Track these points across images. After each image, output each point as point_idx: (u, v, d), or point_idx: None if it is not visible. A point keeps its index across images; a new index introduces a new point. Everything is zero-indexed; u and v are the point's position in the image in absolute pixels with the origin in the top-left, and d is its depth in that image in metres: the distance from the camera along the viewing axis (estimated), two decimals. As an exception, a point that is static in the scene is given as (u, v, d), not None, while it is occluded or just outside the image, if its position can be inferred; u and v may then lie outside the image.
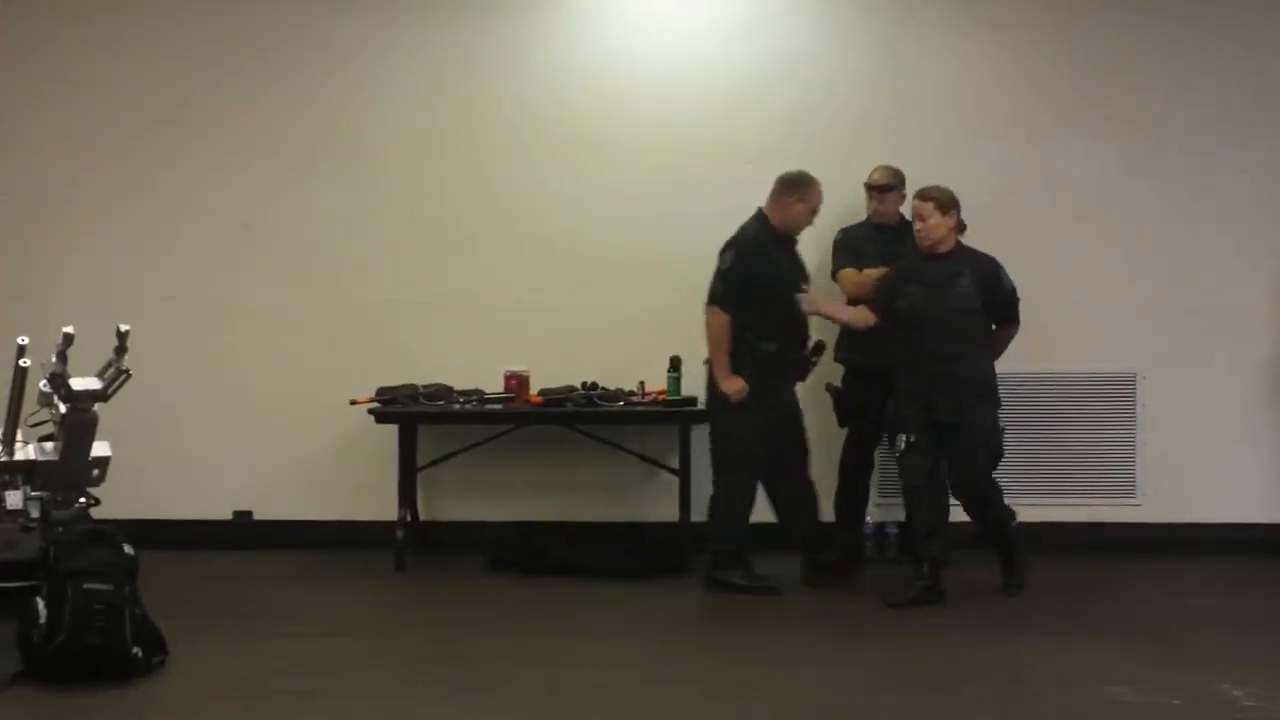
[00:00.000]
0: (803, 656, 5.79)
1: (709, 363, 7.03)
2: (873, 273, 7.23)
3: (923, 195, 6.70)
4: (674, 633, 6.22)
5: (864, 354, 7.29)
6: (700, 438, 7.52)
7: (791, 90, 7.95)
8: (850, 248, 7.40)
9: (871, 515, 7.73)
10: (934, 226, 6.64)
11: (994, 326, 6.84)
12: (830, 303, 7.04)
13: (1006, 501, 6.82)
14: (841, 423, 7.46)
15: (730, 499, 7.00)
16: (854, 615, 6.51)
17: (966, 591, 6.77)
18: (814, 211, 7.03)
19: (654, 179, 7.92)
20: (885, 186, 7.37)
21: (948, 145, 7.78)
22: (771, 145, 7.80)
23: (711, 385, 6.96)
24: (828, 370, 7.45)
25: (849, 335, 7.41)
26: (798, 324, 7.03)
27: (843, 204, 7.46)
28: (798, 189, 6.95)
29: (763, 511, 7.18)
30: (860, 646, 5.95)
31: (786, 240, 7.04)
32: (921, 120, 7.92)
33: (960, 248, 6.73)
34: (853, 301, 7.36)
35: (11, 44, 8.06)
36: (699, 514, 7.46)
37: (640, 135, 7.93)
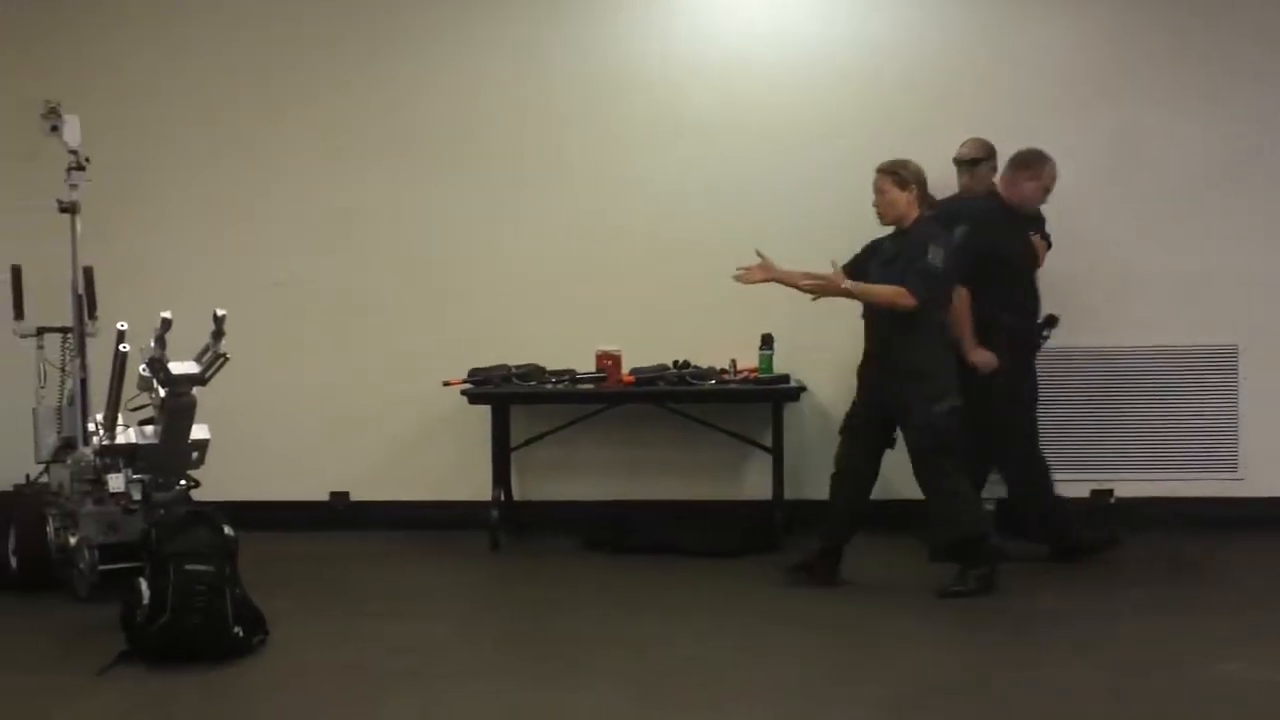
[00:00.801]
0: (902, 634, 5.76)
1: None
2: None
3: (880, 169, 6.43)
4: (769, 611, 6.17)
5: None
6: (792, 414, 7.55)
7: (883, 66, 7.91)
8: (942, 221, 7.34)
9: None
10: (890, 202, 6.37)
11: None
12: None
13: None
14: None
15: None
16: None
17: (1068, 570, 6.75)
18: (1047, 190, 6.94)
19: (746, 158, 7.93)
20: (975, 160, 7.29)
21: (1040, 120, 7.68)
22: (862, 121, 7.81)
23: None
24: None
25: None
26: (1033, 297, 6.96)
27: (931, 179, 7.40)
28: (1032, 166, 6.88)
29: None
30: (960, 627, 5.90)
31: (1020, 216, 6.95)
32: (1013, 95, 7.84)
33: (921, 224, 6.41)
34: None
35: (113, 39, 8.24)
36: (792, 491, 7.51)
37: (732, 115, 7.94)
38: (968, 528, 6.32)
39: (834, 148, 7.79)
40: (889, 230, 6.47)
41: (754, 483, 7.79)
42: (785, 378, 7.52)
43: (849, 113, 7.88)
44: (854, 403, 6.59)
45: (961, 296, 6.65)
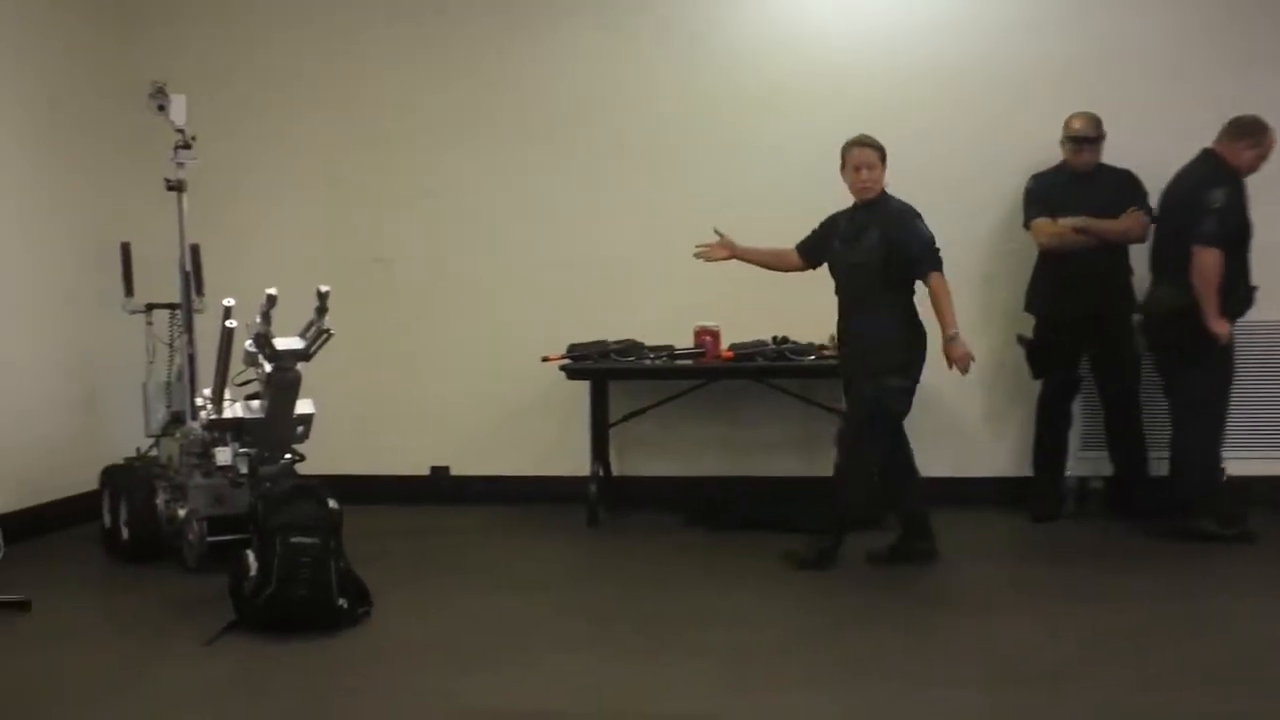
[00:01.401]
0: (1004, 610, 5.74)
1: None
2: (1069, 222, 7.12)
3: (871, 144, 6.46)
4: (870, 585, 6.18)
5: (1059, 305, 7.21)
6: None
7: (991, 35, 7.83)
8: (1043, 196, 7.29)
9: (1073, 469, 7.62)
10: (878, 178, 6.44)
11: (921, 283, 6.41)
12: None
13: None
14: (1036, 374, 7.39)
15: (1209, 447, 6.91)
16: (1070, 571, 6.42)
17: (1199, 550, 6.68)
18: (1264, 158, 6.86)
19: (844, 131, 7.76)
20: (1087, 137, 7.21)
21: (1148, 88, 7.61)
22: (967, 93, 7.79)
23: (1193, 329, 6.67)
24: (1018, 320, 7.37)
25: (1042, 286, 7.32)
26: (1247, 264, 6.90)
27: (1041, 150, 7.38)
28: (1252, 134, 6.82)
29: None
30: (1076, 602, 5.84)
31: (1240, 184, 6.87)
32: (1119, 65, 7.73)
33: (882, 198, 6.47)
34: (1047, 254, 7.25)
35: (213, 18, 8.38)
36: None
37: (831, 87, 7.89)
38: (849, 497, 6.45)
39: (938, 122, 7.76)
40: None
41: None
42: None
43: (958, 86, 7.83)
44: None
45: (1218, 261, 6.58)
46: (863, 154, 6.43)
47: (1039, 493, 7.43)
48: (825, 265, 6.66)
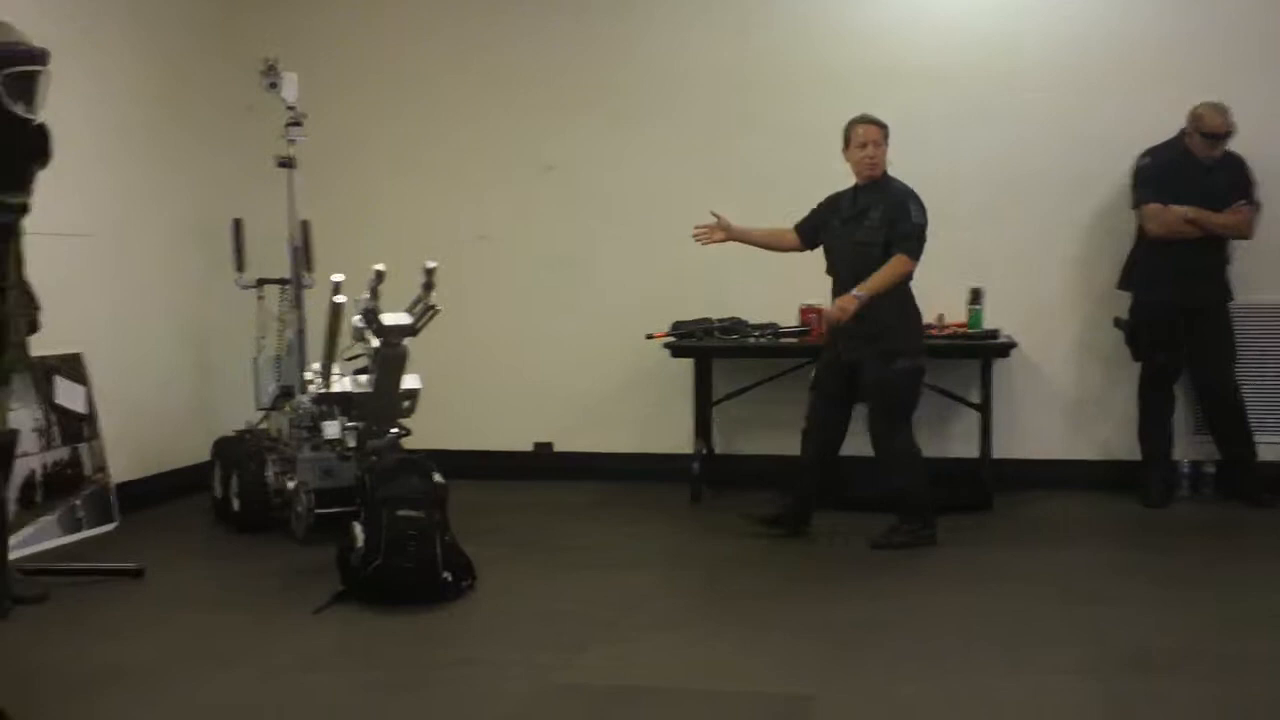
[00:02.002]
0: (1111, 597, 5.65)
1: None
2: (1179, 211, 7.03)
3: (876, 121, 6.49)
4: (969, 569, 6.14)
5: (1157, 291, 7.12)
6: (1001, 370, 7.50)
7: (1108, 18, 7.73)
8: (1158, 178, 7.17)
9: (1186, 453, 7.54)
10: (882, 156, 6.48)
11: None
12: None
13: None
14: (1136, 356, 7.31)
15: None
16: (1180, 557, 6.37)
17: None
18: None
19: (952, 109, 7.83)
20: (1226, 134, 7.08)
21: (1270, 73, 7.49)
22: (1086, 76, 7.71)
23: None
24: (1116, 302, 7.31)
25: (1143, 269, 7.22)
26: None
27: (1146, 131, 7.30)
28: None
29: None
30: (1186, 588, 5.79)
31: None
32: (1226, 47, 7.60)
33: (885, 178, 6.52)
34: (1157, 240, 7.14)
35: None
36: (1001, 449, 7.46)
37: (948, 65, 7.83)
38: (908, 484, 6.48)
39: (1051, 104, 7.71)
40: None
41: (961, 440, 7.73)
42: (994, 333, 7.43)
43: (1071, 68, 7.73)
44: (820, 360, 6.74)
45: None
46: (869, 131, 6.47)
47: (1149, 477, 7.35)
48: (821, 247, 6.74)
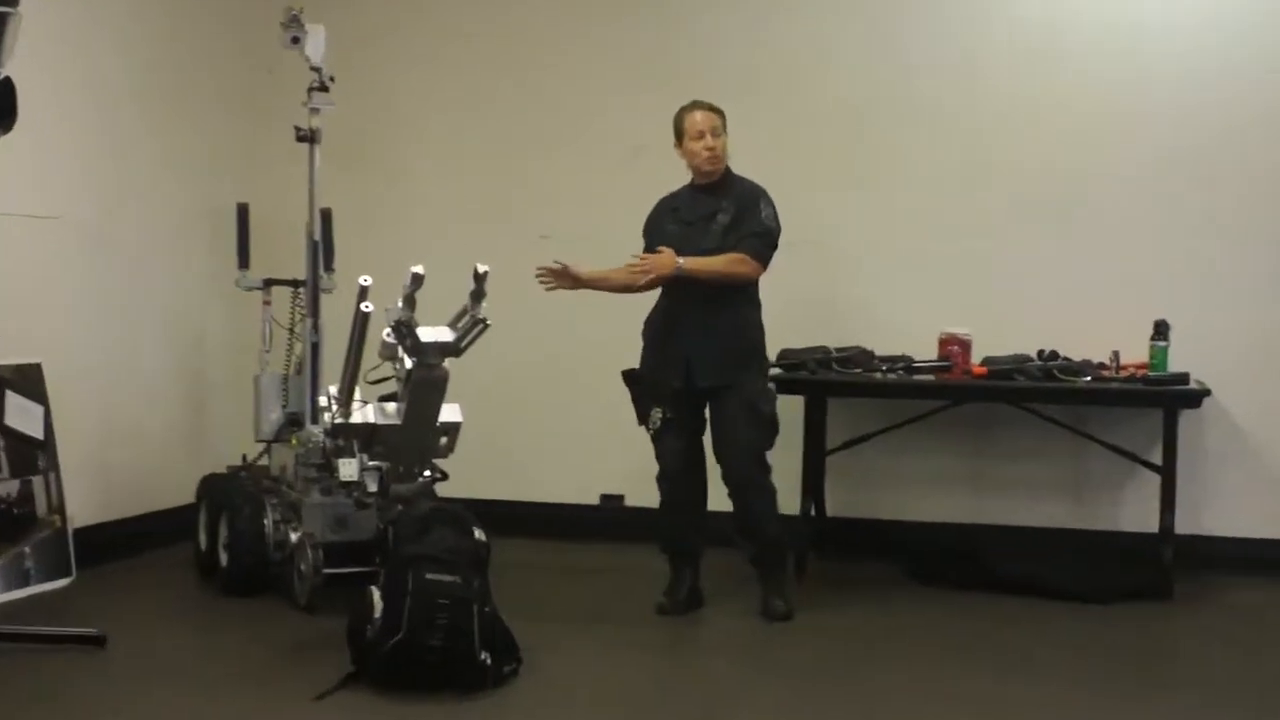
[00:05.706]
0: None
1: None
2: None
3: (713, 108, 6.59)
4: (1156, 674, 6.07)
5: None
6: (1190, 423, 7.39)
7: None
8: None
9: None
10: (723, 148, 6.57)
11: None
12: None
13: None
14: None
15: None
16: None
17: None
18: None
19: (1145, 101, 7.81)
20: None
21: None
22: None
23: None
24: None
25: None
26: None
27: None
28: None
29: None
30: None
31: None
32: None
33: (729, 174, 6.63)
34: None
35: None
36: (1187, 524, 7.35)
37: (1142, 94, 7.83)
38: (779, 529, 6.74)
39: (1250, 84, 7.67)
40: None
41: (1135, 510, 7.61)
42: (1184, 377, 7.26)
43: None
44: (651, 392, 6.71)
45: None
46: (706, 118, 6.56)
47: None
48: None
